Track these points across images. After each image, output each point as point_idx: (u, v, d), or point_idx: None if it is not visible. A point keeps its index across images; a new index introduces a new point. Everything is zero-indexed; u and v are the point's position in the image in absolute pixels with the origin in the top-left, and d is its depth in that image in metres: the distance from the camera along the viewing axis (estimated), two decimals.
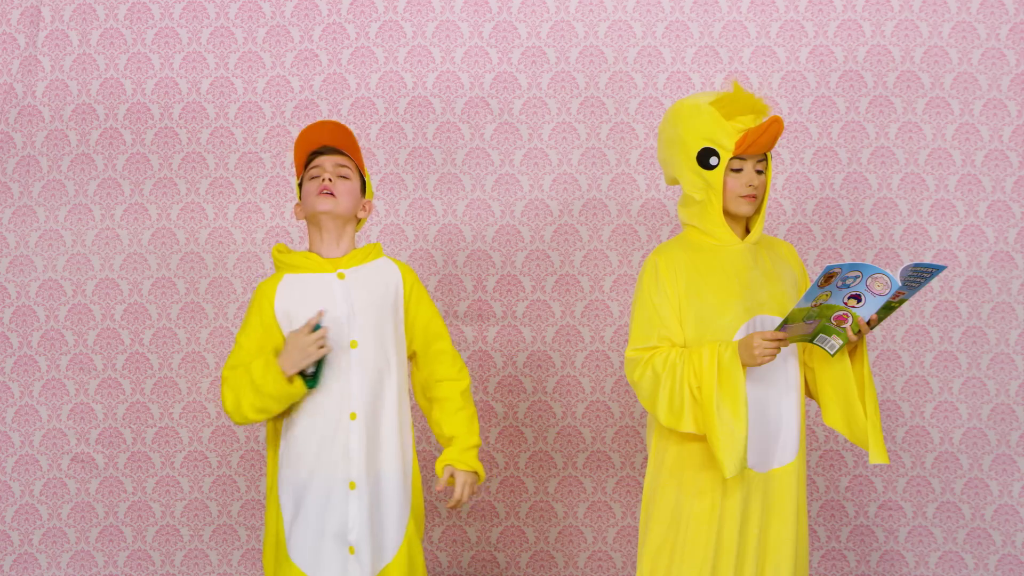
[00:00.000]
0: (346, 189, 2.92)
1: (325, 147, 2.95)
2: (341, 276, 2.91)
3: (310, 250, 2.96)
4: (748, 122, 2.79)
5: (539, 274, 3.81)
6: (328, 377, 2.86)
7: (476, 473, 2.97)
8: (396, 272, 2.98)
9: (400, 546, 2.88)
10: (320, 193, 2.89)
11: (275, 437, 2.93)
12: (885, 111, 3.76)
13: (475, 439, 2.97)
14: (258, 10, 3.83)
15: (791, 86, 3.78)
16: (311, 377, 2.83)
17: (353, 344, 2.87)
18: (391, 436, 2.89)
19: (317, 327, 2.80)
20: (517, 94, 3.81)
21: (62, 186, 3.84)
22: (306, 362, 2.80)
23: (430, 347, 3.00)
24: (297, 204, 2.98)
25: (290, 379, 2.80)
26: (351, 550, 2.83)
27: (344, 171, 2.93)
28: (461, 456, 2.95)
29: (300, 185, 2.97)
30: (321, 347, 2.79)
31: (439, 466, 2.96)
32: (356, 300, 2.90)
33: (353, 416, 2.85)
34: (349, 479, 2.84)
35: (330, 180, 2.90)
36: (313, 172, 2.92)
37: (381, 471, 2.87)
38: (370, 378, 2.87)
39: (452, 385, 3.00)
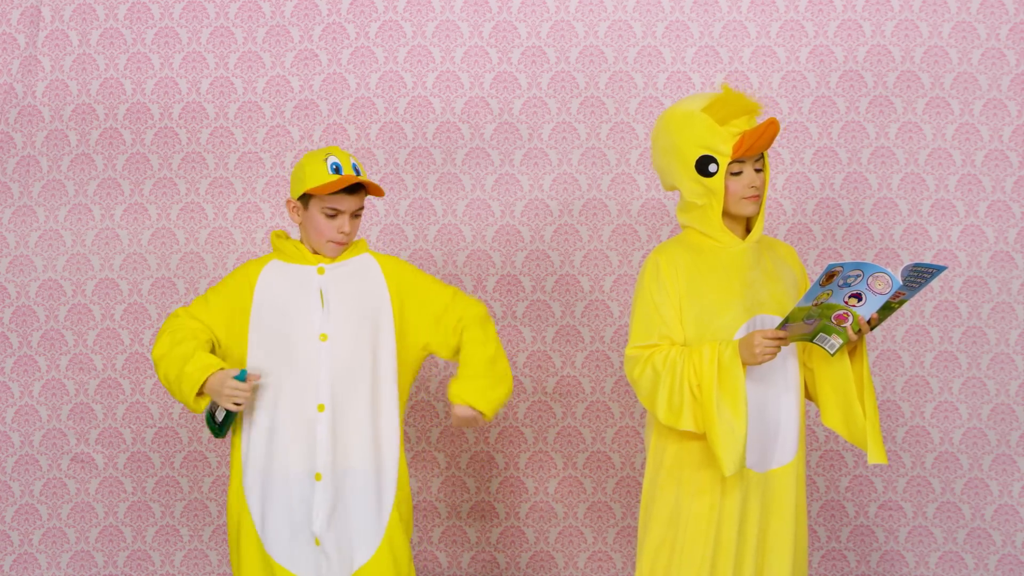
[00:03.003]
0: (356, 229, 2.95)
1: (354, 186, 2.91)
2: (321, 271, 2.93)
3: (301, 242, 2.98)
4: (742, 124, 2.77)
5: (539, 274, 3.80)
6: (299, 368, 2.87)
7: (474, 409, 2.88)
8: (377, 270, 2.98)
9: (379, 546, 2.87)
10: (331, 242, 2.91)
11: (239, 428, 2.94)
12: (885, 111, 3.76)
13: (483, 380, 2.90)
14: (258, 10, 3.83)
15: (791, 86, 3.78)
16: (218, 425, 2.86)
17: (323, 337, 2.88)
18: (363, 431, 2.88)
19: (242, 377, 2.80)
20: (517, 94, 3.80)
21: (62, 186, 3.83)
22: (217, 400, 2.81)
23: (443, 314, 2.95)
24: (290, 202, 2.96)
25: (200, 396, 2.83)
26: (316, 541, 2.84)
27: (359, 210, 2.94)
28: (462, 390, 2.89)
29: (307, 195, 2.91)
30: (237, 404, 2.80)
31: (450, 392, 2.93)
32: (332, 294, 2.91)
33: (321, 408, 2.86)
34: (315, 470, 2.85)
35: (346, 232, 2.90)
36: (329, 211, 2.89)
37: (350, 465, 2.87)
38: (340, 372, 2.88)
39: (470, 314, 2.94)
